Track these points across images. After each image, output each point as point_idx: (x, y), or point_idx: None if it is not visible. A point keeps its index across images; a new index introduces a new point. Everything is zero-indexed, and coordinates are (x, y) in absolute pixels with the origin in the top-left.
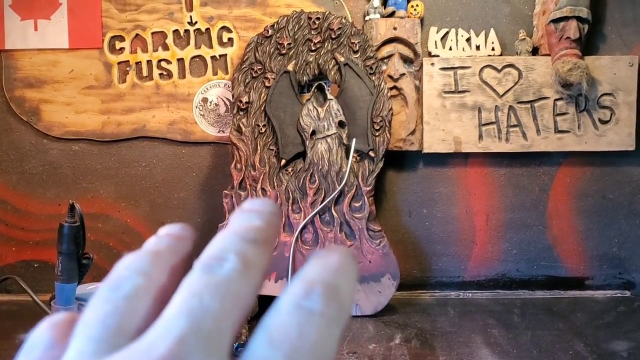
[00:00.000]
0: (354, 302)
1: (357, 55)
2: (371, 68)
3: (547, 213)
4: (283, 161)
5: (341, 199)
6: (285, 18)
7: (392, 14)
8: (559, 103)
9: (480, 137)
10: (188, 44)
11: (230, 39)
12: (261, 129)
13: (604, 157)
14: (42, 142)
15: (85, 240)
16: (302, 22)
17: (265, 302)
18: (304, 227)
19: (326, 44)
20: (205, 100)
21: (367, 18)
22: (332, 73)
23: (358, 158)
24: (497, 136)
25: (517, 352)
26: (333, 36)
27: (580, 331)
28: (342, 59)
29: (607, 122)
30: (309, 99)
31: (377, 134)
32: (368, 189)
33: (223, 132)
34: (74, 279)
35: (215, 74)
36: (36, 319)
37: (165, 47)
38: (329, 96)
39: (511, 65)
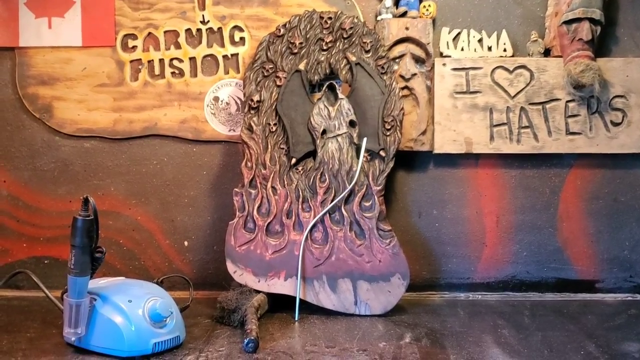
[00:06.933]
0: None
1: (368, 55)
2: (383, 68)
3: (557, 215)
4: (293, 160)
5: (351, 198)
6: (297, 17)
7: (404, 14)
8: (570, 105)
9: (492, 138)
10: (200, 42)
11: (242, 38)
12: (272, 127)
13: (615, 160)
14: (54, 139)
15: (98, 234)
16: (314, 21)
17: (275, 300)
18: (314, 225)
19: (338, 44)
20: (216, 99)
21: (379, 18)
22: (344, 72)
23: (369, 157)
24: (508, 137)
25: (528, 352)
26: (345, 36)
27: (591, 333)
28: (353, 59)
29: (618, 124)
30: (320, 98)
31: (388, 133)
32: (378, 188)
33: (234, 130)
34: (86, 272)
35: (226, 72)
36: (47, 314)
37: (178, 46)
38: (340, 95)
39: (523, 67)
